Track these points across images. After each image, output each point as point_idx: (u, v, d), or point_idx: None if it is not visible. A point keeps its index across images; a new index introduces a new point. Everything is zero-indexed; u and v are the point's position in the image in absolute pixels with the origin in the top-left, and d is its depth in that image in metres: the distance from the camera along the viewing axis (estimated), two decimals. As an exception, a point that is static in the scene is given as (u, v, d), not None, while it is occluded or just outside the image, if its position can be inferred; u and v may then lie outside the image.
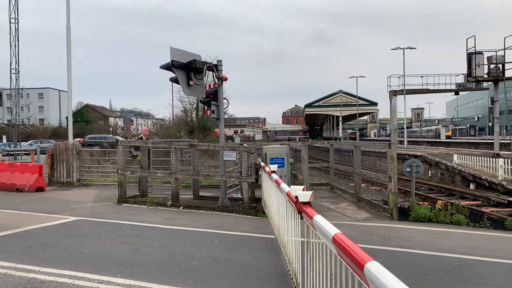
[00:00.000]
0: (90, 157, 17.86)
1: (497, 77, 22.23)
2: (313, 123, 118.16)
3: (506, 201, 14.77)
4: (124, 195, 11.70)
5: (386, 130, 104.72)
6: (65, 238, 7.30)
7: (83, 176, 15.98)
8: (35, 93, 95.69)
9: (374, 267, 1.94)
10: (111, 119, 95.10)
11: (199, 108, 45.04)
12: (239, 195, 11.54)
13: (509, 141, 26.21)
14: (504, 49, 21.91)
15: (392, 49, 44.21)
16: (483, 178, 17.72)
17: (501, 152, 23.08)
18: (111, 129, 74.96)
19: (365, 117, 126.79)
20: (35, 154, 17.89)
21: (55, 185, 15.42)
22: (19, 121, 32.78)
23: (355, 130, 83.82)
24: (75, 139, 21.46)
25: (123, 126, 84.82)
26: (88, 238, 7.29)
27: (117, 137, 46.65)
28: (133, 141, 13.89)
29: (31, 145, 37.01)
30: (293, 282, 4.78)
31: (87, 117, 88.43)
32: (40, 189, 13.94)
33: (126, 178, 11.92)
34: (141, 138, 13.53)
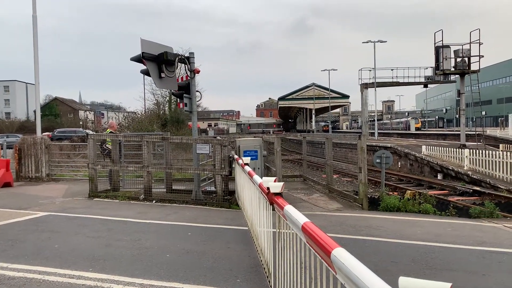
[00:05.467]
0: (60, 151, 17.46)
1: (463, 70, 22.91)
2: (287, 116, 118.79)
3: (471, 190, 15.32)
4: (95, 189, 11.52)
5: (358, 122, 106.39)
6: (34, 233, 7.15)
7: (52, 170, 15.62)
8: (1, 86, 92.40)
9: (340, 254, 2.00)
10: (81, 113, 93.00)
11: (172, 101, 44.59)
12: (212, 188, 11.54)
13: (474, 133, 27.13)
14: (470, 43, 22.58)
15: (363, 43, 44.75)
16: (450, 168, 18.31)
17: (467, 143, 23.87)
18: (81, 122, 73.29)
19: (338, 110, 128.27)
20: (1, 148, 17.34)
21: (23, 180, 15.01)
22: (-16, 115, 31.62)
23: (328, 122, 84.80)
24: (43, 133, 20.89)
25: (93, 119, 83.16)
26: (59, 233, 7.16)
27: (87, 131, 45.68)
28: (104, 135, 13.65)
29: (-3, 139, 35.76)
30: (265, 272, 4.85)
31: (56, 111, 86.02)
32: (7, 185, 13.54)
33: (97, 172, 11.74)
34: (110, 132, 13.33)
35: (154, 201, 10.69)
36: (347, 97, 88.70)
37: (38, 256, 5.74)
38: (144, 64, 9.70)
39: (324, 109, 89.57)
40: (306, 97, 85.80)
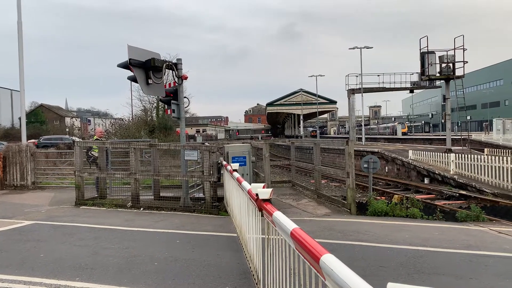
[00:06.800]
0: (46, 159, 17.24)
1: (448, 76, 23.27)
2: (275, 121, 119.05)
3: (458, 194, 15.50)
4: (82, 197, 11.39)
5: (345, 127, 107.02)
6: (19, 243, 7.03)
7: (38, 178, 15.39)
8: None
9: (329, 260, 2.00)
10: (68, 120, 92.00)
11: (160, 107, 44.43)
12: (201, 195, 11.49)
13: (460, 137, 27.50)
14: (454, 48, 22.95)
15: (350, 49, 45.15)
16: (437, 172, 18.50)
17: (453, 148, 24.19)
18: (67, 129, 72.47)
19: (325, 115, 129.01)
20: (-15, 156, 17.03)
21: (8, 188, 14.77)
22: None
23: (316, 128, 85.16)
24: (29, 141, 20.58)
25: (80, 126, 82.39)
26: (44, 242, 7.05)
27: (74, 138, 45.17)
28: (91, 142, 13.51)
29: (-20, 147, 35.11)
30: (255, 279, 4.83)
31: (42, 118, 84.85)
32: (-9, 193, 13.31)
33: (84, 179, 11.61)
34: (96, 139, 13.20)
35: (141, 209, 10.60)
36: (334, 102, 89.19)
37: (23, 266, 5.64)
38: (131, 71, 9.66)
39: (312, 115, 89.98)
40: (294, 102, 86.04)
